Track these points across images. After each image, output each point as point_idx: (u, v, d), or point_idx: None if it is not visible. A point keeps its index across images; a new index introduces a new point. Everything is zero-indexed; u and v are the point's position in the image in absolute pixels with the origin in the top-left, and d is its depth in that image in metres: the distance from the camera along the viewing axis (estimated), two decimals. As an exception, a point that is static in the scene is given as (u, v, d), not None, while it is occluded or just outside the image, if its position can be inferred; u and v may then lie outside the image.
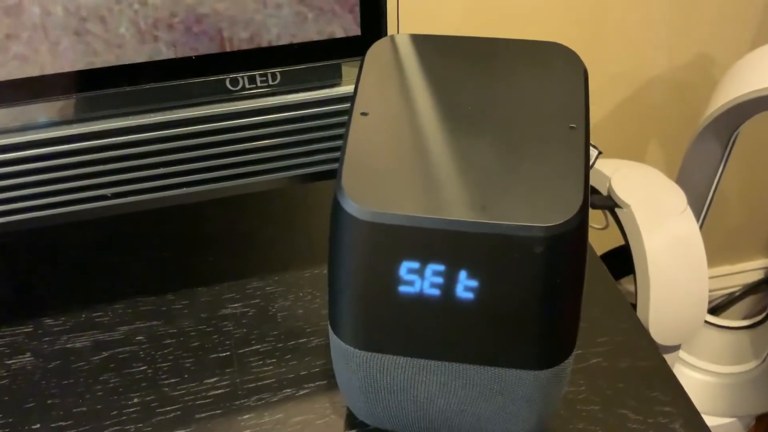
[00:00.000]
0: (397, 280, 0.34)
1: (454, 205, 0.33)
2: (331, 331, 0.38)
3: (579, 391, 0.45)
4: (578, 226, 0.32)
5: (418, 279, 0.33)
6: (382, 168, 0.35)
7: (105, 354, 0.48)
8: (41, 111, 0.41)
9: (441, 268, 0.33)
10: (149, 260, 0.54)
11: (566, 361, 0.36)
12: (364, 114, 0.37)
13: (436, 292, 0.33)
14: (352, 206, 0.33)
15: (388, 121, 0.37)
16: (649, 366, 0.47)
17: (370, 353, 0.36)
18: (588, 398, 0.45)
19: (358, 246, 0.34)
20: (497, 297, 0.33)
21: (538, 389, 0.36)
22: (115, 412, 0.44)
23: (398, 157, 0.35)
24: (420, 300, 0.34)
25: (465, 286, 0.33)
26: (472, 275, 0.33)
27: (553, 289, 0.33)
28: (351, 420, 0.44)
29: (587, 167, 0.34)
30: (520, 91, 0.38)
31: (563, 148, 0.35)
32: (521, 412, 0.37)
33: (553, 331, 0.35)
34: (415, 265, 0.33)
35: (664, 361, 0.47)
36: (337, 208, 0.33)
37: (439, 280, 0.33)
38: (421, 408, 0.38)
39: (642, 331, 0.49)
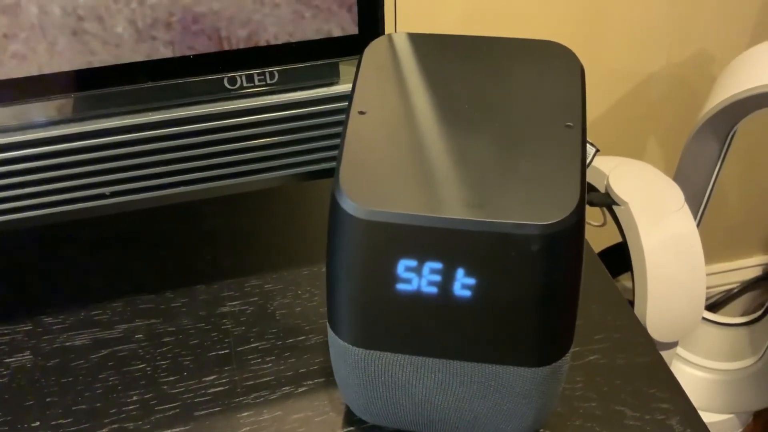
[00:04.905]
0: (395, 278, 0.34)
1: (452, 203, 0.33)
2: (329, 329, 0.38)
3: (576, 388, 0.45)
4: (575, 224, 0.32)
5: (416, 277, 0.33)
6: (379, 166, 0.35)
7: (104, 352, 0.48)
8: (39, 110, 0.41)
9: (438, 266, 0.33)
10: (148, 259, 0.54)
11: (564, 358, 0.36)
12: (361, 113, 0.37)
13: (433, 290, 0.34)
14: (349, 204, 0.33)
15: (386, 119, 0.37)
16: (646, 363, 0.47)
17: (368, 351, 0.36)
18: (585, 395, 0.45)
19: (356, 244, 0.34)
20: (495, 295, 0.33)
21: (536, 386, 0.36)
22: (114, 410, 0.44)
23: (396, 156, 0.35)
24: (418, 298, 0.34)
25: (462, 284, 0.33)
26: (469, 273, 0.33)
27: (551, 286, 0.33)
28: (349, 417, 0.44)
29: (584, 166, 0.34)
30: (517, 89, 0.38)
31: (560, 147, 0.35)
32: (519, 410, 0.37)
33: (551, 328, 0.35)
34: (413, 263, 0.33)
35: (662, 358, 0.47)
36: (334, 207, 0.34)
37: (437, 278, 0.33)
38: (419, 405, 0.38)
39: (639, 328, 0.49)
